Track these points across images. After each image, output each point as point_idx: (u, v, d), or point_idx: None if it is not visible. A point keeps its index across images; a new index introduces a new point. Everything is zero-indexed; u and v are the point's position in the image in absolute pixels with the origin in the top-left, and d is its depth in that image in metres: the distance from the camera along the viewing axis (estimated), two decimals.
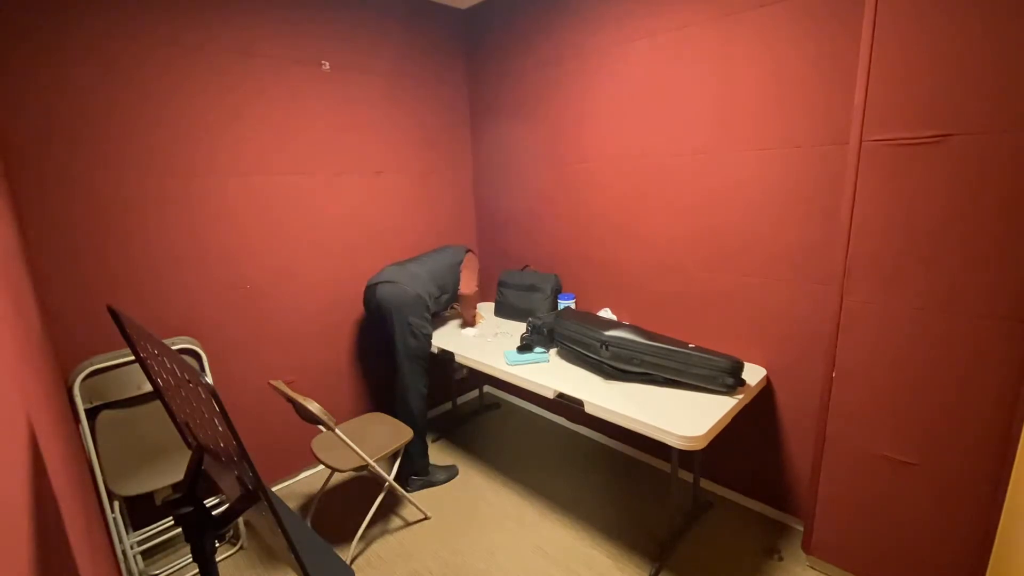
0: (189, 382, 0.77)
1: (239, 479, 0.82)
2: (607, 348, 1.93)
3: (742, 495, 2.20)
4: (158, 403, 1.75)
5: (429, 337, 2.34)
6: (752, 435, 2.07)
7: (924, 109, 1.36)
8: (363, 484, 2.44)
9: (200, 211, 2.04)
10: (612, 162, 2.35)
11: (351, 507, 2.25)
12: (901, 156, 1.41)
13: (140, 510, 1.91)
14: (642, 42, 2.12)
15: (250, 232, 2.19)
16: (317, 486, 2.39)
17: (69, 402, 1.66)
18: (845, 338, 1.60)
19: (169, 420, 1.14)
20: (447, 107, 2.91)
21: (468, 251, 2.67)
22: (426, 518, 2.18)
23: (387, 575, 1.90)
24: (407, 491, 2.28)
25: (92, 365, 1.70)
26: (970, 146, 1.31)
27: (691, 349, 1.84)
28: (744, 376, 1.83)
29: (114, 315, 0.96)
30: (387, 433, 2.14)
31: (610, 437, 2.70)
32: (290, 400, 1.85)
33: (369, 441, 2.05)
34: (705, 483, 2.30)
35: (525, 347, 2.21)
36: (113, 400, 1.76)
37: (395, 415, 2.32)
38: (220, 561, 1.98)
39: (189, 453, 0.95)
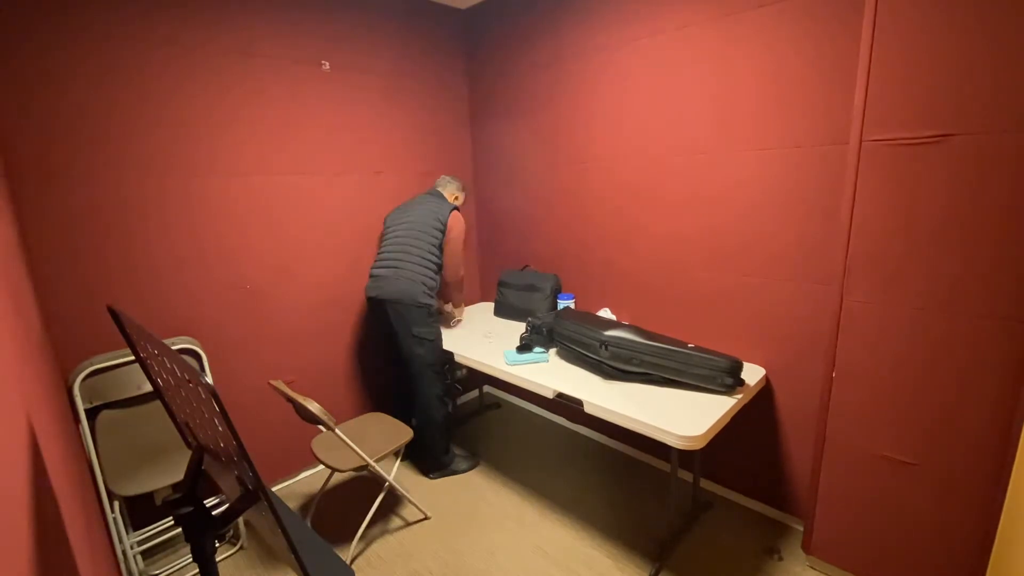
0: (189, 382, 0.77)
1: (239, 479, 0.82)
2: (607, 348, 1.93)
3: (742, 495, 2.20)
4: (158, 403, 1.75)
5: (435, 342, 2.33)
6: (752, 435, 2.07)
7: (924, 109, 1.36)
8: (363, 484, 2.44)
9: (200, 211, 2.04)
10: (612, 162, 2.35)
11: (351, 507, 2.25)
12: (901, 156, 1.41)
13: (140, 510, 1.91)
14: (642, 42, 2.12)
15: (250, 232, 2.19)
16: (317, 486, 2.39)
17: (69, 402, 1.66)
18: (845, 338, 1.60)
19: (169, 420, 1.14)
20: (447, 107, 2.91)
21: (453, 209, 2.45)
22: (426, 518, 2.18)
23: (387, 575, 1.90)
24: (431, 478, 2.43)
25: (92, 365, 1.70)
26: (970, 146, 1.31)
27: (690, 349, 1.84)
28: (743, 376, 1.83)
29: (114, 315, 0.96)
30: (387, 433, 2.14)
31: (610, 437, 2.70)
32: (290, 400, 1.85)
33: (369, 441, 2.05)
34: (705, 483, 2.30)
35: (525, 347, 2.21)
36: (113, 400, 1.76)
37: (411, 416, 2.35)
38: (220, 561, 1.98)
39: (189, 453, 0.95)
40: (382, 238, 2.46)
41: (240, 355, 2.22)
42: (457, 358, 2.34)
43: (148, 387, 1.80)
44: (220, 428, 0.69)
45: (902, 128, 1.40)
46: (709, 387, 1.80)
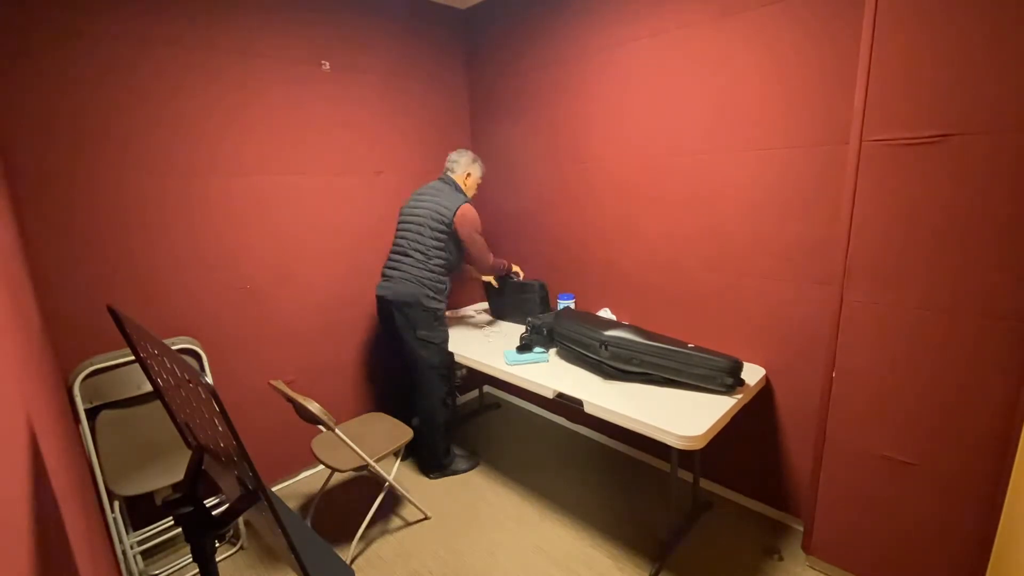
0: (189, 382, 0.77)
1: (239, 479, 0.82)
2: (606, 348, 1.93)
3: (742, 495, 2.20)
4: (158, 403, 1.75)
5: (441, 345, 2.31)
6: (752, 435, 2.07)
7: (924, 109, 1.36)
8: (363, 484, 2.44)
9: (200, 211, 2.04)
10: (612, 162, 2.35)
11: (351, 507, 2.25)
12: (901, 156, 1.41)
13: (140, 510, 1.91)
14: (643, 42, 2.12)
15: (250, 232, 2.19)
16: (317, 486, 2.39)
17: (69, 402, 1.66)
18: (845, 338, 1.60)
19: (169, 420, 1.14)
20: (447, 107, 2.91)
21: (461, 204, 2.28)
22: (426, 518, 2.18)
23: (387, 575, 1.90)
24: (431, 478, 2.42)
25: (92, 365, 1.71)
26: (970, 146, 1.31)
27: (690, 349, 1.84)
28: (743, 376, 1.83)
29: (114, 315, 0.96)
30: (387, 433, 2.14)
31: (610, 437, 2.70)
32: (290, 400, 1.85)
33: (369, 441, 2.05)
34: (705, 483, 2.30)
35: (525, 347, 2.21)
36: (113, 400, 1.76)
37: (412, 417, 2.35)
38: (220, 561, 1.98)
39: (189, 453, 0.95)
40: (396, 231, 2.41)
41: (240, 355, 2.22)
42: (457, 358, 2.34)
43: (148, 387, 1.80)
44: (220, 428, 0.69)
45: (902, 128, 1.40)
46: (709, 387, 1.80)
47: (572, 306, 2.58)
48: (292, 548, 0.72)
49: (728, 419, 1.71)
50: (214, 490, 1.96)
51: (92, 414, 1.72)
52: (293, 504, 2.33)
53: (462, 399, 3.30)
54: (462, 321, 2.83)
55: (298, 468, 2.53)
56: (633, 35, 2.14)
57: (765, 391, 2.00)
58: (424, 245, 2.27)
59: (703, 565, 1.88)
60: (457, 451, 2.55)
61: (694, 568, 1.87)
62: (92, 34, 1.72)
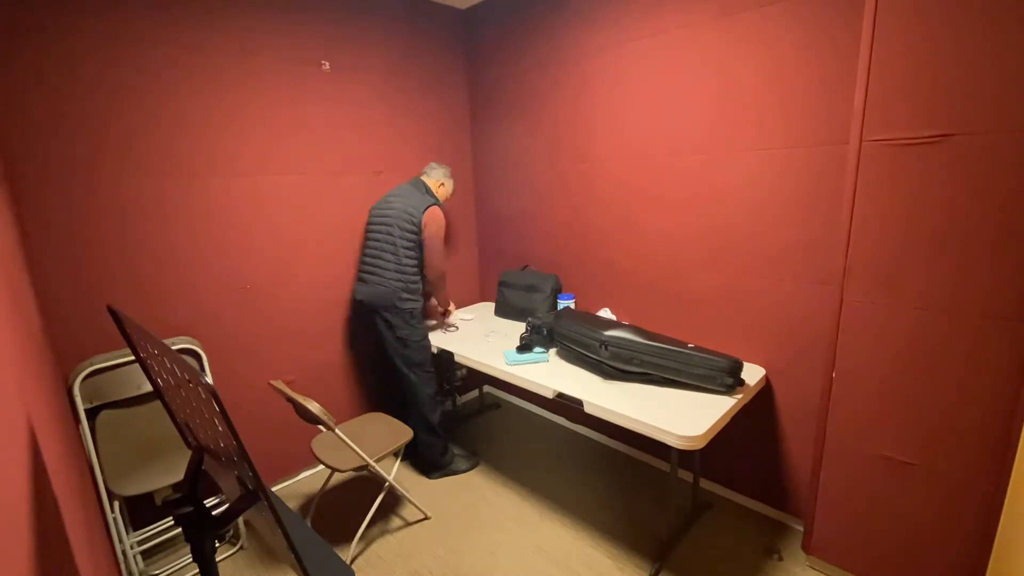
0: (189, 382, 0.77)
1: (239, 479, 0.82)
2: (607, 348, 1.93)
3: (742, 495, 2.20)
4: (158, 403, 1.75)
5: (421, 342, 2.33)
6: (752, 435, 2.07)
7: (924, 109, 1.36)
8: (363, 484, 2.44)
9: (200, 211, 2.04)
10: (613, 162, 2.35)
11: (351, 507, 2.25)
12: (901, 156, 1.41)
13: (140, 510, 1.91)
14: (642, 42, 2.12)
15: (250, 232, 2.19)
16: (317, 486, 2.39)
17: (69, 402, 1.66)
18: (845, 338, 1.60)
19: (169, 420, 1.14)
20: (447, 107, 2.91)
21: (430, 205, 2.28)
22: (426, 518, 2.18)
23: (387, 575, 1.90)
24: (431, 478, 2.42)
25: (92, 365, 1.71)
26: (970, 146, 1.31)
27: (690, 349, 1.84)
28: (743, 376, 1.83)
29: (114, 315, 0.96)
30: (387, 433, 2.14)
31: (610, 437, 2.70)
32: (290, 400, 1.85)
33: (369, 441, 2.05)
34: (705, 483, 2.30)
35: (525, 347, 2.21)
36: (113, 400, 1.76)
37: (408, 418, 2.34)
38: (220, 561, 1.98)
39: (189, 453, 0.95)
40: (365, 233, 2.42)
41: (240, 355, 2.22)
42: (457, 358, 2.34)
43: (148, 387, 1.80)
44: (220, 428, 0.69)
45: (902, 128, 1.40)
46: (709, 387, 1.80)
47: (572, 306, 2.58)
48: (292, 548, 0.72)
49: (728, 419, 1.71)
50: (214, 490, 1.96)
51: (92, 414, 1.72)
52: (293, 504, 2.33)
53: (462, 399, 3.30)
54: (463, 321, 2.82)
55: (298, 468, 2.53)
56: (633, 35, 2.14)
57: (765, 391, 2.00)
58: (395, 246, 2.27)
59: (703, 565, 1.88)
60: (457, 451, 2.55)
61: (694, 568, 1.87)
62: (92, 34, 1.72)
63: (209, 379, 0.72)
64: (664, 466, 2.45)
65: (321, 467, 2.36)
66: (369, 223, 2.40)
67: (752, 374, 1.92)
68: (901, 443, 1.54)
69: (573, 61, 2.40)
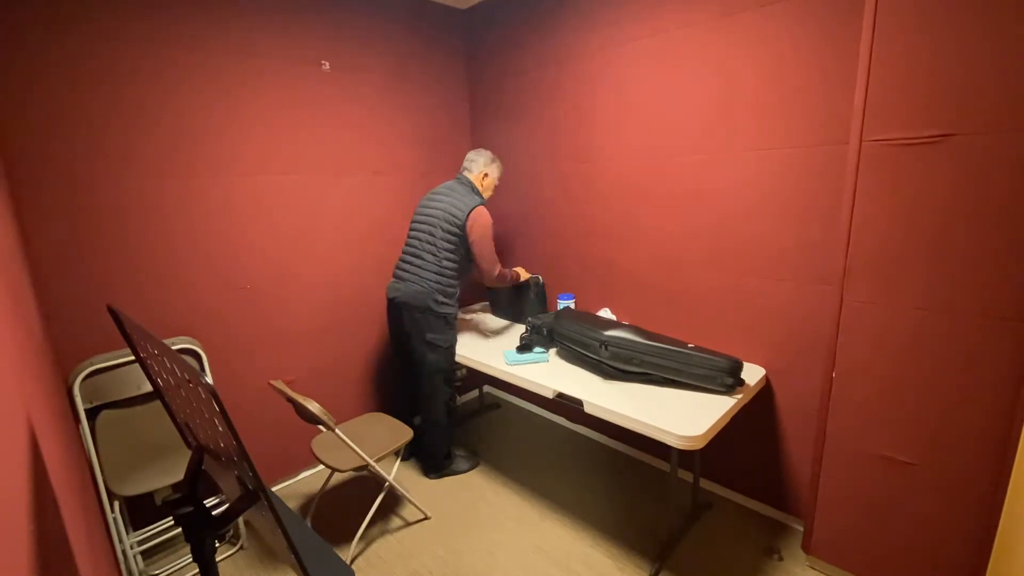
0: (189, 382, 0.77)
1: (239, 479, 0.82)
2: (606, 348, 1.93)
3: (742, 495, 2.20)
4: (158, 403, 1.75)
5: (449, 349, 2.31)
6: (752, 435, 2.07)
7: (924, 109, 1.36)
8: (363, 484, 2.44)
9: (200, 211, 2.04)
10: (612, 162, 2.35)
11: (351, 507, 2.25)
12: (901, 156, 1.41)
13: (140, 510, 1.91)
14: (642, 42, 2.12)
15: (250, 232, 2.19)
16: (317, 486, 2.39)
17: (69, 402, 1.66)
18: (845, 338, 1.60)
19: (169, 420, 1.14)
20: (447, 107, 2.91)
21: (475, 206, 2.21)
22: (426, 518, 2.18)
23: (387, 575, 1.90)
24: (431, 478, 2.43)
25: (92, 365, 1.70)
26: (971, 146, 1.31)
27: (690, 349, 1.84)
28: (743, 376, 1.83)
29: (114, 315, 0.96)
30: (387, 433, 2.14)
31: (610, 437, 2.70)
32: (290, 400, 1.85)
33: (369, 441, 2.05)
34: (705, 483, 2.30)
35: (524, 347, 2.21)
36: (113, 400, 1.76)
37: (416, 417, 2.35)
38: (220, 561, 1.98)
39: (189, 453, 0.95)
40: (409, 230, 2.38)
41: (240, 355, 2.22)
42: (457, 358, 2.34)
43: (148, 387, 1.80)
44: (220, 428, 0.69)
45: (902, 128, 1.40)
46: (709, 387, 1.80)
47: (572, 306, 2.58)
48: (292, 548, 0.72)
49: (728, 419, 1.71)
50: (214, 490, 1.96)
51: (92, 414, 1.72)
52: (293, 504, 2.33)
53: (462, 399, 3.30)
54: (462, 321, 2.82)
55: (298, 468, 2.53)
56: (633, 35, 2.14)
57: (765, 391, 2.00)
58: (436, 247, 2.23)
59: (703, 565, 1.88)
60: (457, 451, 2.55)
61: (694, 568, 1.87)
62: (92, 34, 1.72)
63: (209, 379, 0.72)
64: (664, 466, 2.45)
65: (321, 467, 2.36)
66: (413, 220, 2.36)
67: (752, 374, 1.92)
68: (901, 443, 1.54)
69: (573, 61, 2.40)
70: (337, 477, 2.27)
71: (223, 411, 0.65)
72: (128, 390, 1.78)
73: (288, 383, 2.24)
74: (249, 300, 2.22)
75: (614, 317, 2.43)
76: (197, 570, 0.89)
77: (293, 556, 0.74)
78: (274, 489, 2.44)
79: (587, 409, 1.79)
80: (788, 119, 1.77)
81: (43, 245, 1.70)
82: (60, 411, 1.37)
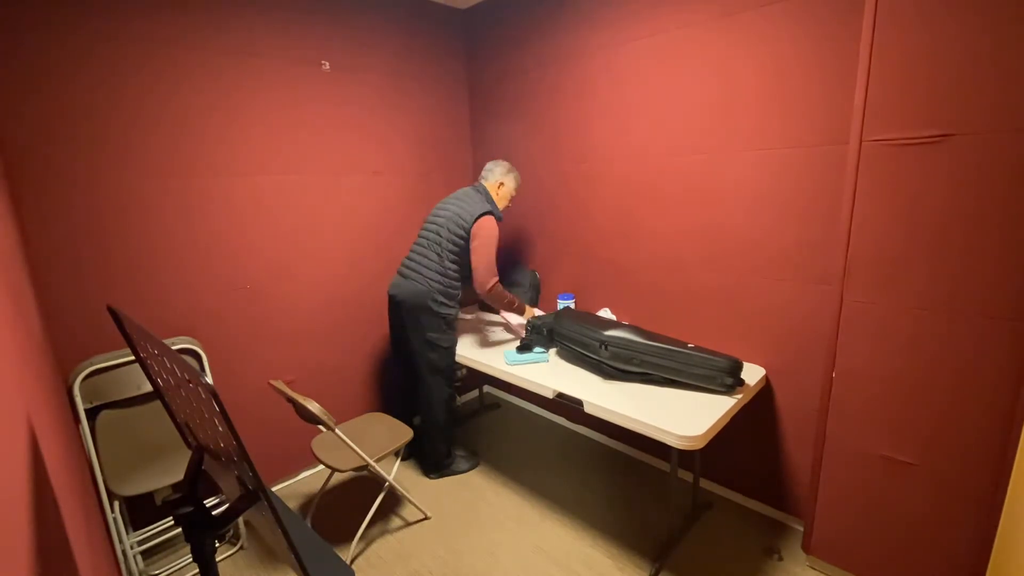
0: (189, 382, 0.77)
1: (239, 479, 0.82)
2: (606, 348, 1.93)
3: (742, 495, 2.20)
4: (158, 403, 1.75)
5: (449, 349, 2.31)
6: (752, 435, 2.07)
7: (924, 109, 1.36)
8: (363, 484, 2.44)
9: (200, 211, 2.04)
10: (612, 162, 2.35)
11: (351, 507, 2.25)
12: (901, 156, 1.41)
13: (140, 510, 1.91)
14: (643, 42, 2.12)
15: (250, 232, 2.19)
16: (317, 486, 2.39)
17: (69, 402, 1.66)
18: (845, 338, 1.60)
19: (169, 420, 1.14)
20: (447, 107, 2.91)
21: (484, 214, 2.21)
22: (426, 518, 2.18)
23: (387, 575, 1.90)
24: (431, 478, 2.42)
25: (92, 365, 1.70)
26: (971, 146, 1.31)
27: (690, 349, 1.84)
28: (743, 376, 1.83)
29: (114, 315, 0.96)
30: (387, 433, 2.14)
31: (610, 437, 2.70)
32: (290, 400, 1.85)
33: (369, 441, 2.05)
34: (705, 483, 2.30)
35: (524, 347, 2.21)
36: (113, 400, 1.76)
37: (419, 415, 2.35)
38: (220, 561, 1.98)
39: (189, 453, 0.95)
40: (420, 230, 2.40)
41: (240, 355, 2.22)
42: (457, 358, 2.34)
43: (148, 387, 1.80)
44: (220, 428, 0.69)
45: (902, 128, 1.40)
46: (709, 387, 1.80)
47: (572, 306, 2.58)
48: (292, 548, 0.72)
49: (728, 419, 1.71)
50: (214, 490, 1.96)
51: (92, 414, 1.72)
52: (293, 504, 2.33)
53: (462, 399, 3.30)
54: (462, 321, 2.82)
55: (298, 468, 2.53)
56: (633, 35, 2.14)
57: (765, 391, 2.00)
58: (441, 248, 2.25)
59: (703, 565, 1.88)
60: (457, 451, 2.55)
61: (694, 568, 1.87)
62: (93, 34, 1.72)
63: (209, 379, 0.72)
64: (664, 466, 2.45)
65: (321, 467, 2.36)
66: (425, 221, 2.38)
67: (752, 374, 1.92)
68: (901, 443, 1.54)
69: (573, 61, 2.40)
70: (337, 477, 2.27)
71: (223, 411, 0.65)
72: (128, 390, 1.78)
73: (288, 383, 2.24)
74: (249, 300, 2.22)
75: (614, 317, 2.43)
76: (197, 570, 0.89)
77: (293, 556, 0.74)
78: (274, 489, 2.45)
79: (587, 409, 1.79)
80: (788, 119, 1.77)
81: (43, 245, 1.70)
82: (60, 411, 1.37)
